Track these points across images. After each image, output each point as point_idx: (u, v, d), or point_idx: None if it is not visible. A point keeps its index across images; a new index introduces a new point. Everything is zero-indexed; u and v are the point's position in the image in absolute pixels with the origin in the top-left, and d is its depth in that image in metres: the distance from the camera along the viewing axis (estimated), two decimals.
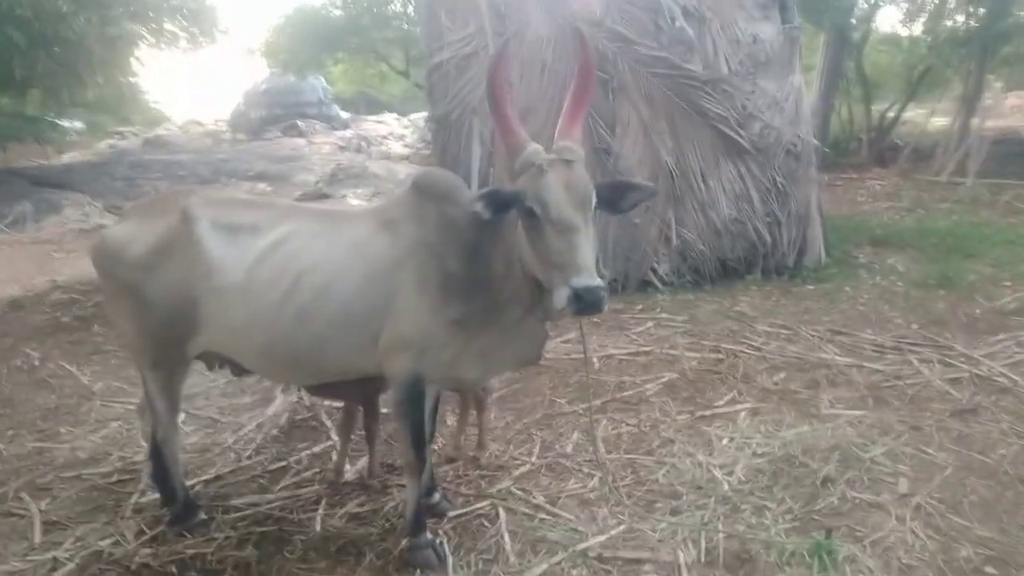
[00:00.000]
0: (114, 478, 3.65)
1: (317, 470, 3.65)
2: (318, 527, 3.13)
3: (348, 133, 20.61)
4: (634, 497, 3.23)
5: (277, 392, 4.69)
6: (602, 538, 2.93)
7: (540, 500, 3.26)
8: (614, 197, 2.41)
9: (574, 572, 2.76)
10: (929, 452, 3.50)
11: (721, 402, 4.17)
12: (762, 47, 6.71)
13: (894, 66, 15.66)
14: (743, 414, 3.99)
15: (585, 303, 2.15)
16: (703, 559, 2.78)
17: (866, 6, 14.53)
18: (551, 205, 2.20)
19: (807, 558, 2.71)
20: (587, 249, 2.21)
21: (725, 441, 3.67)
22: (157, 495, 3.32)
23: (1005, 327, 5.08)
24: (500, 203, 2.29)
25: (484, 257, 2.58)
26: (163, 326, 2.79)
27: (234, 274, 2.67)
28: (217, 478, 3.62)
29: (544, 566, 2.78)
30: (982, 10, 12.70)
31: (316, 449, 3.86)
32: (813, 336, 5.11)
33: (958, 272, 6.32)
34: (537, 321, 2.65)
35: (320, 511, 3.24)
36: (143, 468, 3.69)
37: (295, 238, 2.71)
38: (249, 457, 3.83)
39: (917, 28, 14.95)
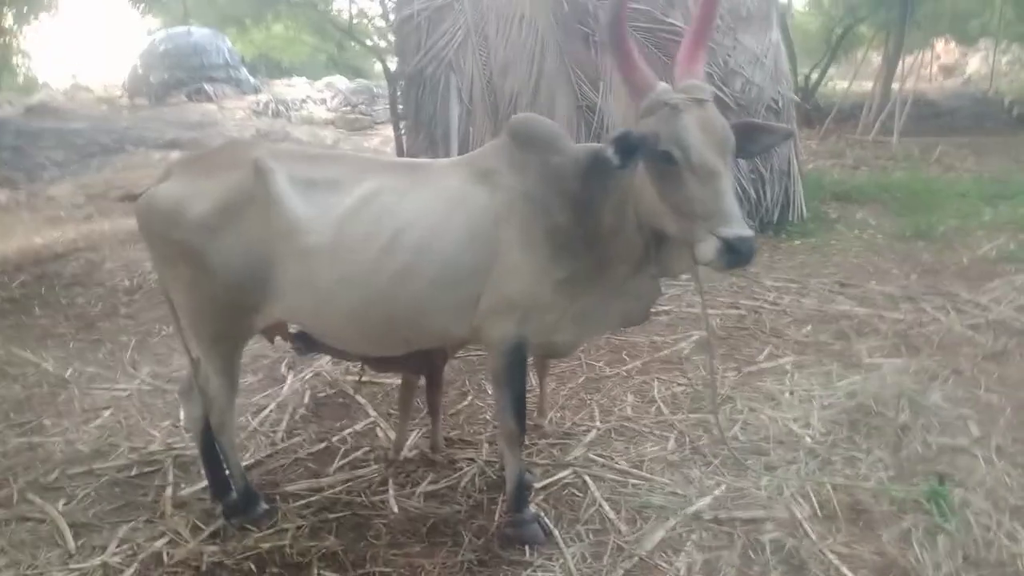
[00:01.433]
0: (133, 471, 3.23)
1: (367, 448, 3.35)
2: (395, 509, 2.86)
3: (262, 97, 19.37)
4: (720, 456, 3.13)
5: (283, 369, 4.31)
6: (708, 500, 2.81)
7: (624, 465, 3.11)
8: (745, 141, 2.20)
9: (693, 536, 2.63)
10: (981, 395, 3.58)
11: (761, 357, 4.14)
12: (742, 1, 6.66)
13: (816, 30, 16.21)
14: (789, 367, 3.96)
15: (738, 254, 1.96)
16: (820, 513, 2.71)
17: None
18: (692, 148, 1.99)
19: (924, 504, 2.69)
20: (731, 196, 2.03)
21: (787, 395, 3.63)
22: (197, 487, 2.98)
23: (996, 274, 5.30)
24: (631, 148, 2.05)
25: (593, 209, 2.36)
26: (231, 294, 2.43)
27: (322, 234, 2.36)
28: (257, 464, 3.26)
29: (661, 533, 2.63)
30: None
31: (358, 427, 3.55)
32: (822, 289, 5.17)
33: (928, 224, 6.57)
34: (649, 279, 2.47)
35: (391, 492, 2.97)
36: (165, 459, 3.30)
37: (385, 194, 2.42)
38: (283, 440, 3.48)
39: None
